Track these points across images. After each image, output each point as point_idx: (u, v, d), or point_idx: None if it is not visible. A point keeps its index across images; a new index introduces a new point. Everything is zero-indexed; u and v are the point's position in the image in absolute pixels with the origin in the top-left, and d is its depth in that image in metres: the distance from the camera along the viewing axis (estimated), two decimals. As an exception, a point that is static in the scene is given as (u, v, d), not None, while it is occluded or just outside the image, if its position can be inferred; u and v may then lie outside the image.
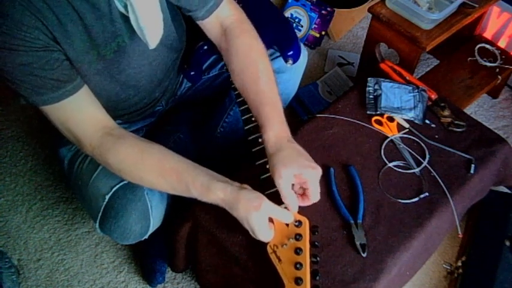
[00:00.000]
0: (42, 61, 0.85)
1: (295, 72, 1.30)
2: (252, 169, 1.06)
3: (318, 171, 0.96)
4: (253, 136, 1.08)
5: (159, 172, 0.94)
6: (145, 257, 1.37)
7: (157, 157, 0.95)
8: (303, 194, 0.99)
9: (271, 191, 1.01)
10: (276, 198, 1.00)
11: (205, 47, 1.27)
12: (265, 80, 1.02)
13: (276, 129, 0.98)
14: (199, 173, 0.92)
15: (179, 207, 1.20)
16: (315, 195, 0.97)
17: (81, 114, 0.94)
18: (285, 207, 0.98)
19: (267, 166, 1.02)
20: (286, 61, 1.25)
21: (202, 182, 0.91)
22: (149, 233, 1.15)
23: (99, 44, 0.94)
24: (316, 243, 0.99)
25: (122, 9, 0.91)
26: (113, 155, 0.94)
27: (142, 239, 1.15)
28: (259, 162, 1.05)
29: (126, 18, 0.93)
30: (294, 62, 1.25)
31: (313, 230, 1.01)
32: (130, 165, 0.95)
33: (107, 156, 0.94)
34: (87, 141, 0.95)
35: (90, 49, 0.93)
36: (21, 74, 0.85)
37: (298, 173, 0.94)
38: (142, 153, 0.95)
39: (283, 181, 0.94)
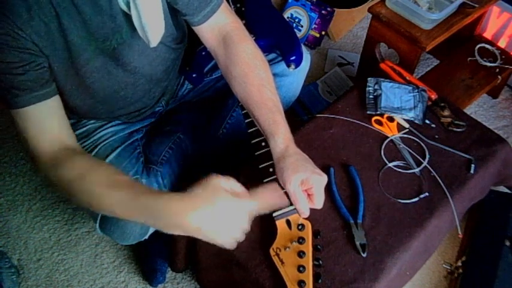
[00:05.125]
0: (24, 62, 0.85)
1: (297, 75, 1.30)
2: (254, 171, 1.06)
3: (324, 178, 0.97)
4: (257, 139, 1.08)
5: (111, 182, 0.85)
6: (146, 256, 1.37)
7: (110, 170, 0.89)
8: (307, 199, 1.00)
9: None
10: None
11: (207, 50, 1.28)
12: (269, 88, 1.02)
13: (283, 136, 0.98)
14: (153, 188, 0.85)
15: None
16: (319, 201, 0.98)
17: (45, 125, 0.90)
18: (294, 209, 0.98)
19: (271, 170, 1.02)
20: (288, 66, 1.25)
21: (154, 190, 0.84)
22: (149, 233, 1.15)
23: (98, 40, 0.93)
24: (319, 246, 0.99)
25: (124, 7, 0.90)
26: (66, 164, 0.88)
27: (142, 239, 1.16)
28: (263, 165, 1.05)
29: (126, 15, 0.93)
30: (296, 66, 1.26)
31: (315, 233, 1.01)
32: (81, 174, 0.87)
33: (58, 167, 0.88)
34: (42, 154, 0.90)
35: (88, 45, 0.93)
36: (0, 71, 0.84)
37: (306, 179, 0.95)
38: (96, 165, 0.89)
39: (293, 186, 0.95)
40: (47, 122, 0.91)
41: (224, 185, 0.81)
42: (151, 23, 0.92)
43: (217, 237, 0.81)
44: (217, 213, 0.78)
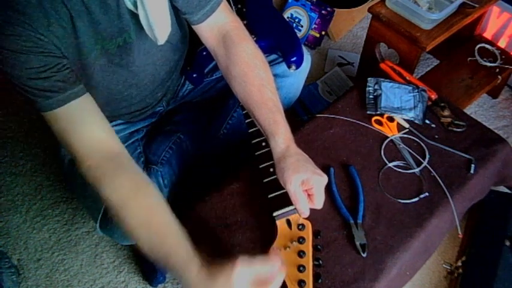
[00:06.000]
0: (49, 66, 0.85)
1: (298, 76, 1.30)
2: (254, 171, 1.06)
3: (325, 179, 0.97)
4: (257, 140, 1.08)
5: (145, 221, 0.85)
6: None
7: (150, 203, 0.87)
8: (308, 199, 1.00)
9: (274, 194, 1.02)
10: (279, 201, 1.01)
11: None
12: (269, 88, 1.02)
13: (283, 136, 0.98)
14: (187, 243, 0.83)
15: (179, 207, 1.20)
16: (319, 202, 0.98)
17: (84, 126, 0.90)
18: (294, 209, 0.99)
19: (271, 170, 1.02)
20: (289, 67, 1.25)
21: (184, 252, 0.82)
22: (149, 233, 1.15)
23: (105, 39, 0.94)
24: (319, 246, 0.99)
25: (131, 6, 0.91)
26: (107, 182, 0.87)
27: (143, 239, 1.15)
28: (263, 165, 1.05)
29: (133, 15, 0.93)
30: (297, 67, 1.26)
31: (315, 233, 1.01)
32: (120, 200, 0.86)
33: (100, 181, 0.87)
34: (85, 159, 0.88)
35: (95, 44, 0.93)
36: (28, 77, 0.84)
37: (306, 179, 0.95)
38: (137, 190, 0.88)
39: (294, 186, 0.95)
40: (86, 119, 0.90)
41: (246, 275, 0.78)
42: (158, 21, 0.92)
43: None
44: None
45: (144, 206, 0.86)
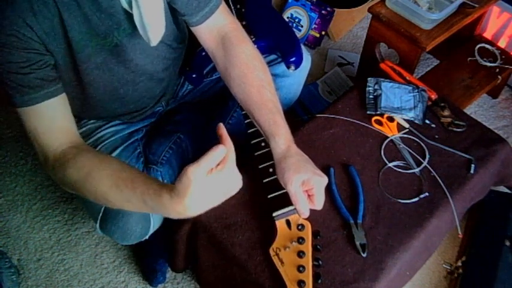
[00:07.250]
0: (31, 62, 0.86)
1: (298, 76, 1.30)
2: (253, 172, 1.06)
3: (325, 180, 0.97)
4: (256, 140, 1.08)
5: (114, 181, 0.85)
6: (146, 256, 1.37)
7: (114, 167, 0.88)
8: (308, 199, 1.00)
9: (274, 194, 1.02)
10: (280, 201, 1.01)
11: None
12: (268, 89, 1.02)
13: (284, 137, 0.99)
14: (153, 181, 0.83)
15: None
16: (319, 202, 0.98)
17: (54, 122, 0.91)
18: (294, 209, 0.99)
19: (271, 170, 1.02)
20: (288, 67, 1.25)
21: (155, 188, 0.81)
22: (150, 233, 1.16)
23: (100, 36, 0.94)
24: (319, 246, 0.99)
25: (126, 6, 0.91)
26: (72, 164, 0.88)
27: (143, 239, 1.16)
28: (262, 165, 1.05)
29: (127, 14, 0.93)
30: (296, 67, 1.26)
31: (315, 233, 1.01)
32: (86, 174, 0.87)
33: (66, 166, 0.88)
34: (52, 153, 0.90)
35: (89, 41, 0.93)
36: (8, 70, 0.85)
37: (307, 180, 0.95)
38: (100, 163, 0.89)
39: (294, 186, 0.95)
40: (57, 119, 0.92)
41: (201, 174, 0.75)
42: (153, 23, 0.92)
43: (216, 203, 0.80)
44: (201, 192, 0.76)
45: (108, 172, 0.86)
